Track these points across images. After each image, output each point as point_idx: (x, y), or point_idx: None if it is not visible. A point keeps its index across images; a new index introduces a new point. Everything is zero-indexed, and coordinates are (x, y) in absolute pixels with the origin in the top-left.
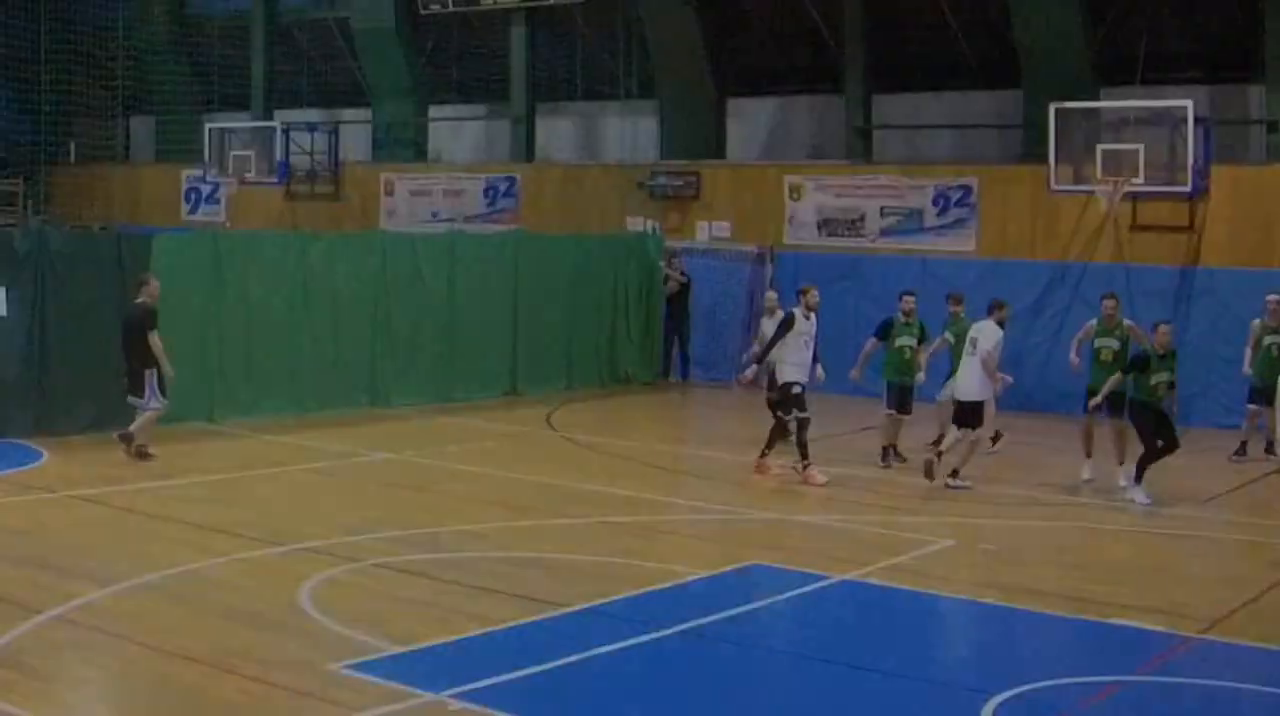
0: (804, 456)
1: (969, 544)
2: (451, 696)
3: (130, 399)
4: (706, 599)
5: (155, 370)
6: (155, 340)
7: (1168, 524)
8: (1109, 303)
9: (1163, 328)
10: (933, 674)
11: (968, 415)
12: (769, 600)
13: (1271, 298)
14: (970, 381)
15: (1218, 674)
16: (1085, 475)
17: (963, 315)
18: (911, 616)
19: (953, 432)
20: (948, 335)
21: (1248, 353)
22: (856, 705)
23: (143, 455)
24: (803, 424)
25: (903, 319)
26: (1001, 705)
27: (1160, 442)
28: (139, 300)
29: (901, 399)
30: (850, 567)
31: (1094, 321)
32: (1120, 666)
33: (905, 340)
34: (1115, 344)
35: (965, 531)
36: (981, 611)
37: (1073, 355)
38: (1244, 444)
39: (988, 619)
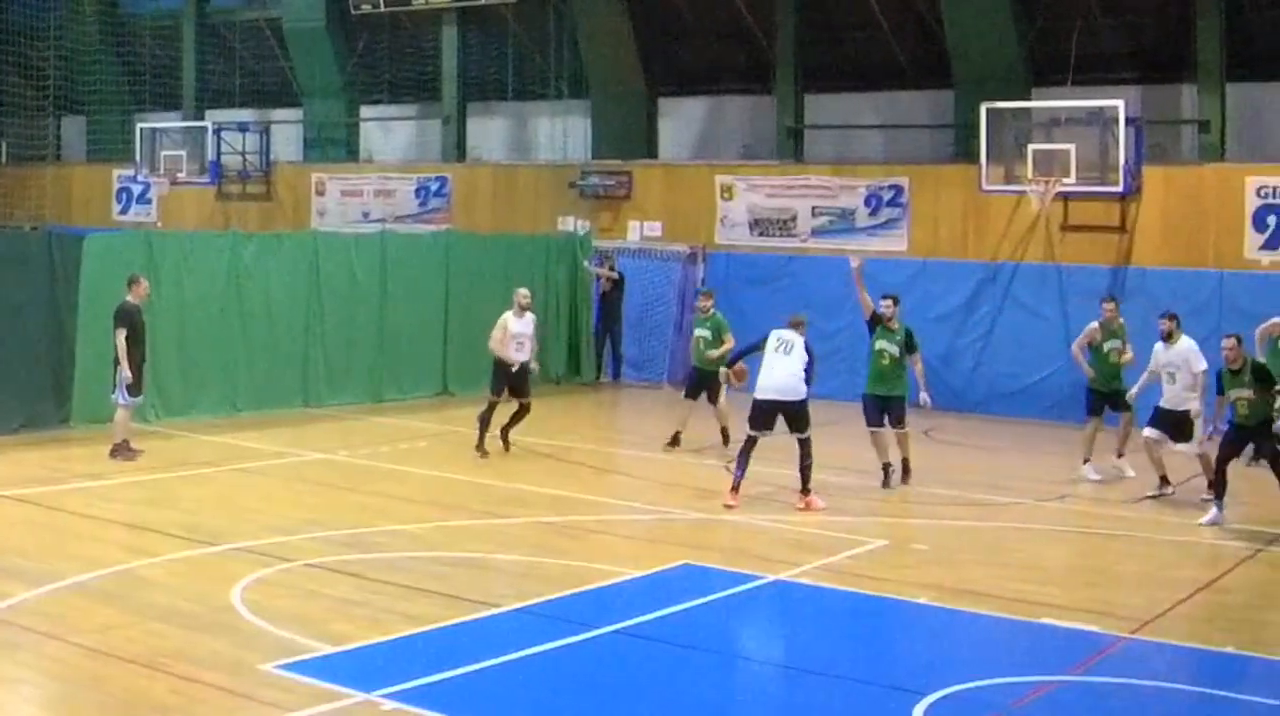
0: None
1: (901, 544)
2: (383, 696)
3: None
4: (639, 599)
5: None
6: (119, 339)
7: (1099, 524)
8: (1109, 305)
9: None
10: (864, 674)
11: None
12: (701, 600)
13: None
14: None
15: (1149, 674)
16: (1092, 476)
17: (713, 310)
18: (843, 616)
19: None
20: (703, 332)
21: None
22: (787, 705)
23: (116, 451)
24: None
25: (886, 322)
26: (932, 705)
27: (1266, 462)
28: (126, 298)
29: (872, 411)
30: (783, 568)
31: (1095, 324)
32: (1051, 666)
33: (882, 344)
34: (1119, 344)
35: (897, 532)
36: (913, 611)
37: (1085, 366)
38: None
39: (919, 619)
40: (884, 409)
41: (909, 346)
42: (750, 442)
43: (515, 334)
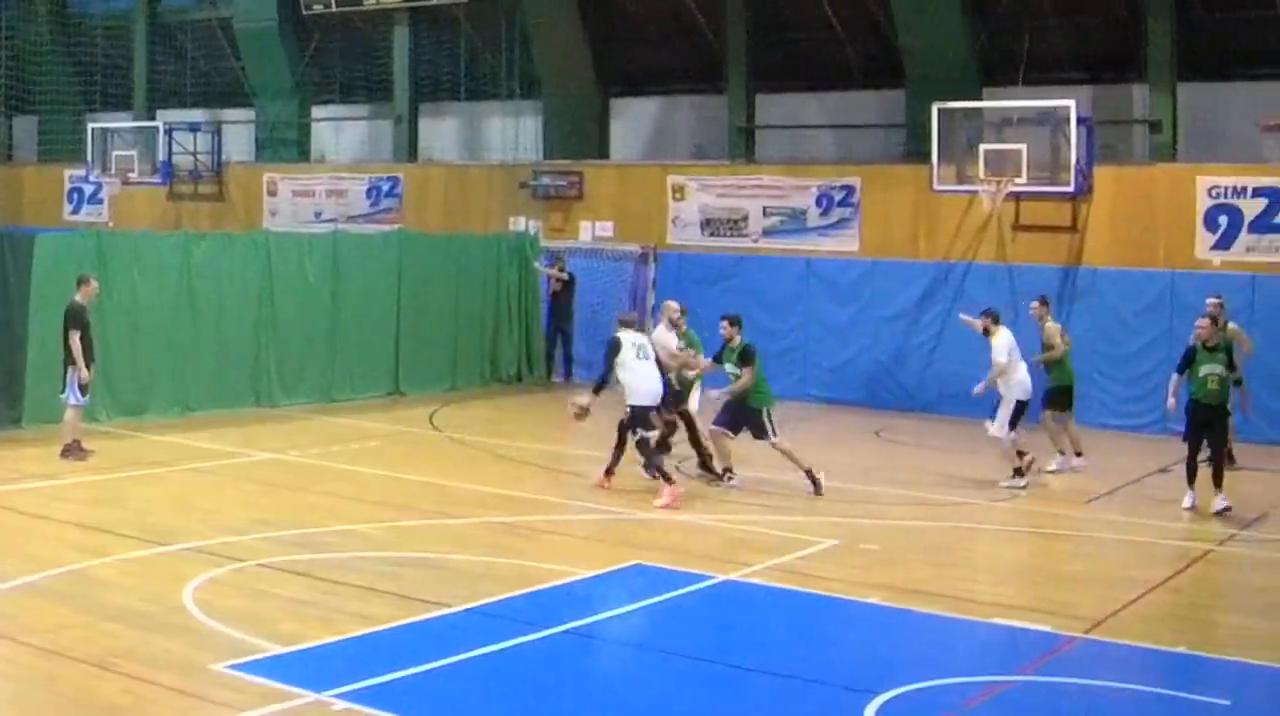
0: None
1: (851, 544)
2: (335, 696)
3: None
4: (590, 599)
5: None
6: (74, 340)
7: (1050, 524)
8: (1033, 303)
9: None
10: (815, 674)
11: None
12: (652, 600)
13: (1212, 301)
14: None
15: (1101, 674)
16: (1048, 467)
17: (685, 327)
18: (794, 616)
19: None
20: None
21: None
22: (739, 705)
23: (68, 451)
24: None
25: (728, 344)
26: (884, 705)
27: (1209, 447)
28: (74, 298)
29: (722, 413)
30: (733, 568)
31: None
32: (1003, 666)
33: (727, 367)
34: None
35: (848, 531)
36: (864, 611)
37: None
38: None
39: (870, 619)
40: (741, 419)
41: (745, 359)
42: (624, 444)
43: (658, 346)
